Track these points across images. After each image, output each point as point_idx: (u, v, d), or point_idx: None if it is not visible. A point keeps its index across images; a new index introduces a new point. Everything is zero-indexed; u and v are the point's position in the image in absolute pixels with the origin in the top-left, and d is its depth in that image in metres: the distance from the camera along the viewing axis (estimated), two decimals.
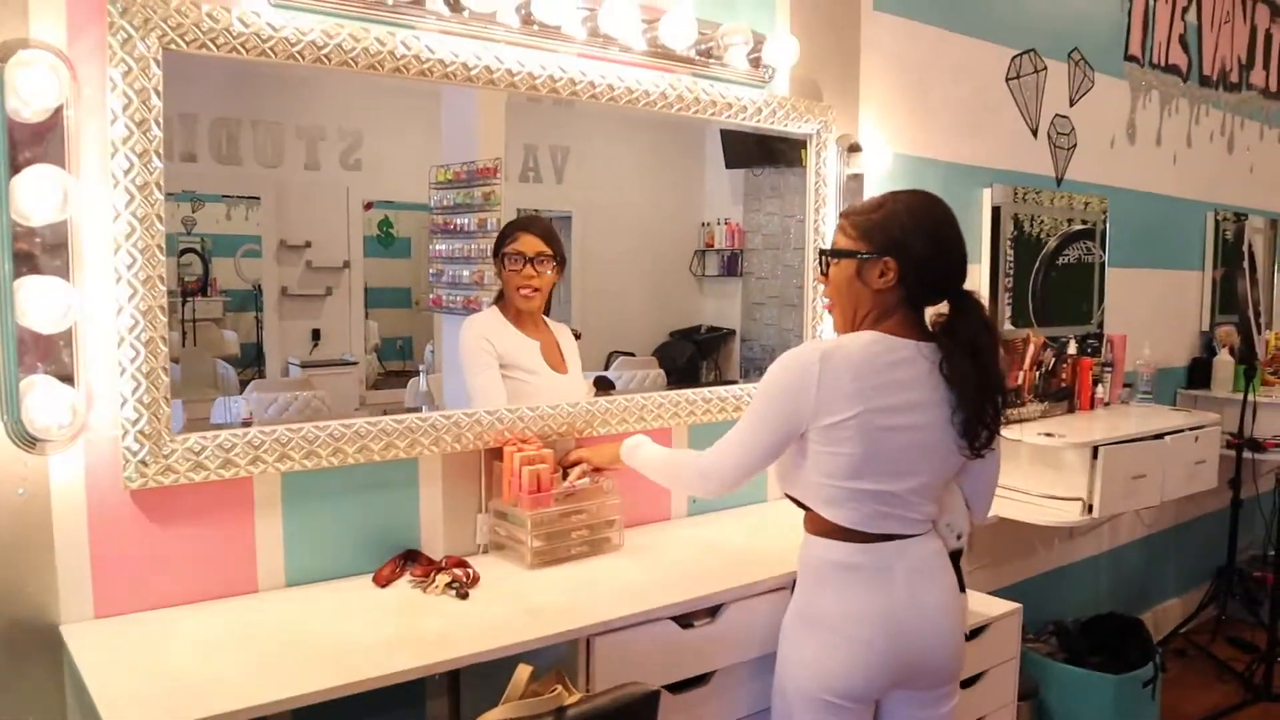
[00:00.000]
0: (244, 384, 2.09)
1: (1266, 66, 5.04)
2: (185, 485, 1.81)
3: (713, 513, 2.62)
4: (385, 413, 2.11)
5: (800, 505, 1.86)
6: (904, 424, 1.74)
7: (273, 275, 2.15)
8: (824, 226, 2.78)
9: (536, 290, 2.29)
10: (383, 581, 1.99)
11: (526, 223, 2.32)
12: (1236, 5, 4.76)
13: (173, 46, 1.73)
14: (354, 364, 2.26)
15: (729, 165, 2.79)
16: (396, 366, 2.33)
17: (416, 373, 2.30)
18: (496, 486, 2.20)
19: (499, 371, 2.27)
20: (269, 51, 1.83)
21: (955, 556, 1.92)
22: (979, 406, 1.76)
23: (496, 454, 2.20)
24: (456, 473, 2.19)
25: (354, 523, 2.06)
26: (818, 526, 1.83)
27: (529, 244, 2.28)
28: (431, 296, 2.38)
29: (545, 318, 2.41)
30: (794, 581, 1.97)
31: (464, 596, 1.91)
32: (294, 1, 1.89)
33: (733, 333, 2.89)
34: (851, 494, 1.76)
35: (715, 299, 2.87)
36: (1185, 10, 4.40)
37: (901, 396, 1.74)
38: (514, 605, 1.87)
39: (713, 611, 2.00)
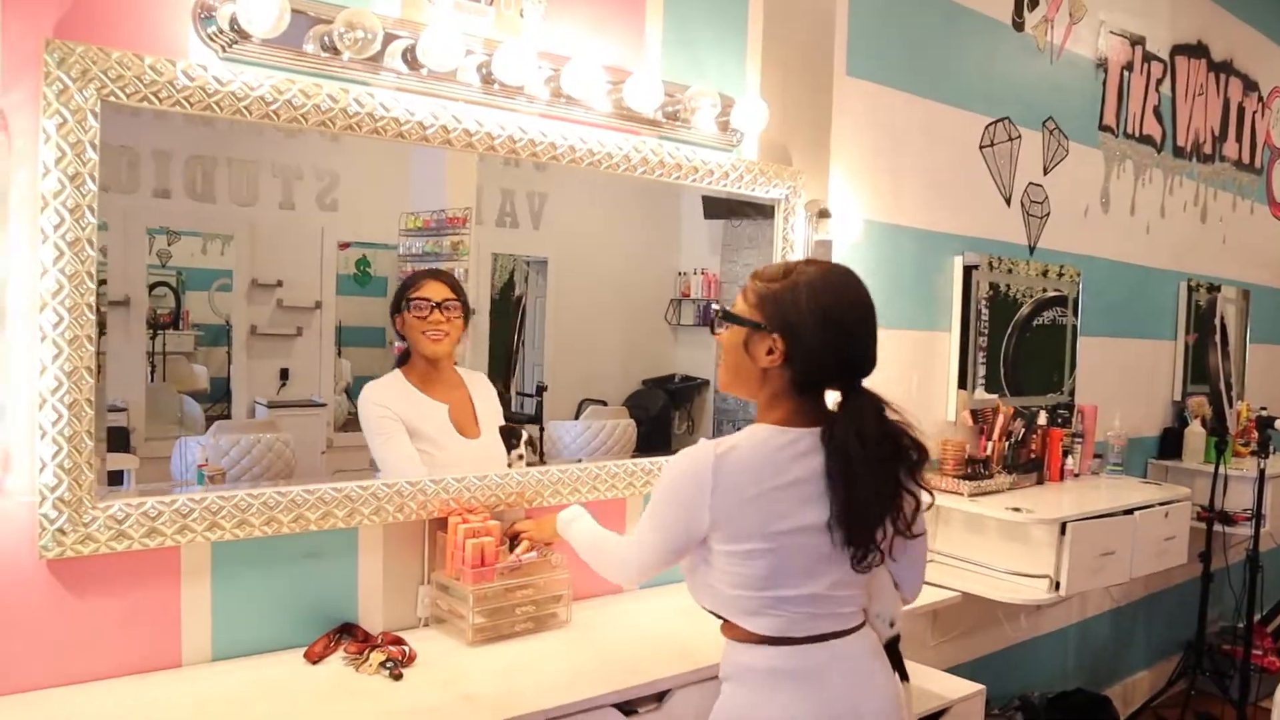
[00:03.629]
0: (211, 421, 2.03)
1: (1239, 139, 5.08)
2: (106, 555, 1.72)
3: (666, 585, 2.52)
4: (340, 473, 2.03)
5: (716, 615, 1.71)
6: (813, 522, 1.58)
7: (242, 314, 2.10)
8: None
9: (445, 334, 2.21)
10: (314, 658, 1.90)
11: (432, 272, 2.25)
12: (1210, 78, 4.79)
13: (113, 99, 1.67)
14: (322, 405, 2.20)
15: (708, 216, 2.76)
16: None
17: None
18: (440, 558, 2.12)
19: (408, 439, 2.17)
20: (214, 106, 1.78)
21: (893, 643, 1.81)
22: (850, 521, 1.57)
23: (441, 524, 2.12)
24: (398, 543, 2.11)
25: (288, 594, 1.97)
26: (739, 634, 1.67)
27: (435, 290, 2.20)
28: (397, 345, 2.31)
29: (459, 370, 2.32)
30: None
31: (398, 677, 1.82)
32: (244, 55, 1.83)
33: (706, 383, 2.84)
34: (773, 602, 1.61)
35: (690, 348, 2.82)
36: (1160, 82, 4.42)
37: (806, 490, 1.58)
38: (449, 689, 1.78)
39: (659, 697, 1.92)
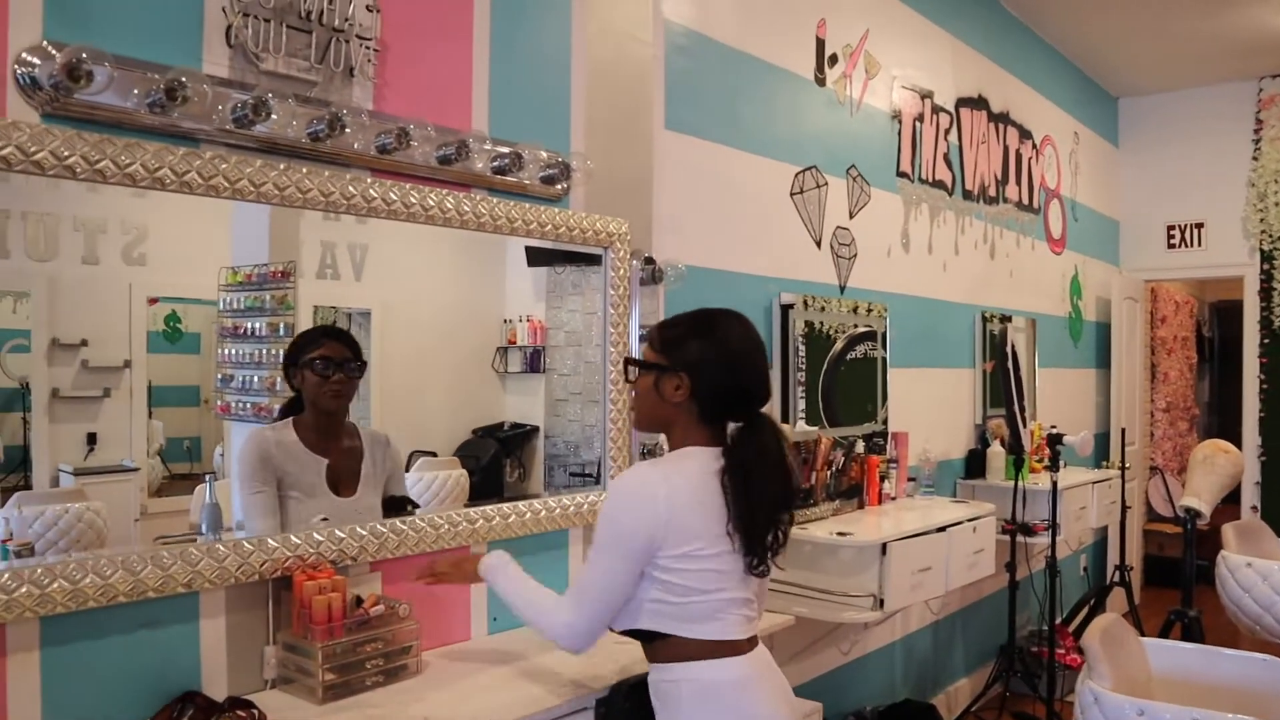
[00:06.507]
0: (7, 493, 1.89)
1: (1019, 182, 5.56)
2: None
3: (513, 630, 2.57)
4: (162, 540, 1.97)
5: (646, 636, 1.86)
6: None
7: (43, 376, 1.98)
8: (620, 342, 2.84)
9: (343, 393, 2.31)
10: None
11: (328, 330, 2.33)
12: (990, 127, 5.24)
13: None
14: (134, 470, 2.11)
15: (531, 263, 2.81)
16: (183, 469, 2.20)
17: (204, 478, 2.16)
18: (286, 617, 2.09)
19: (273, 492, 2.20)
20: (34, 166, 1.73)
21: None
22: (752, 524, 1.81)
23: (285, 583, 2.10)
24: (242, 604, 2.07)
25: (126, 666, 1.90)
26: (684, 650, 1.82)
27: (337, 350, 2.29)
28: (219, 403, 2.27)
29: (360, 427, 2.38)
30: (597, 702, 1.95)
31: None
32: (68, 113, 1.80)
33: (536, 429, 2.88)
34: (721, 604, 1.81)
35: (518, 396, 2.85)
36: (948, 131, 4.81)
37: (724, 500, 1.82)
38: None
39: None
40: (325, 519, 2.21)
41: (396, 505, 2.40)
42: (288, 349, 2.26)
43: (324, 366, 2.27)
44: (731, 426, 1.90)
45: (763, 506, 1.80)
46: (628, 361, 1.98)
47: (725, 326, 1.91)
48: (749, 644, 1.87)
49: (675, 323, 1.95)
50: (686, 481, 1.80)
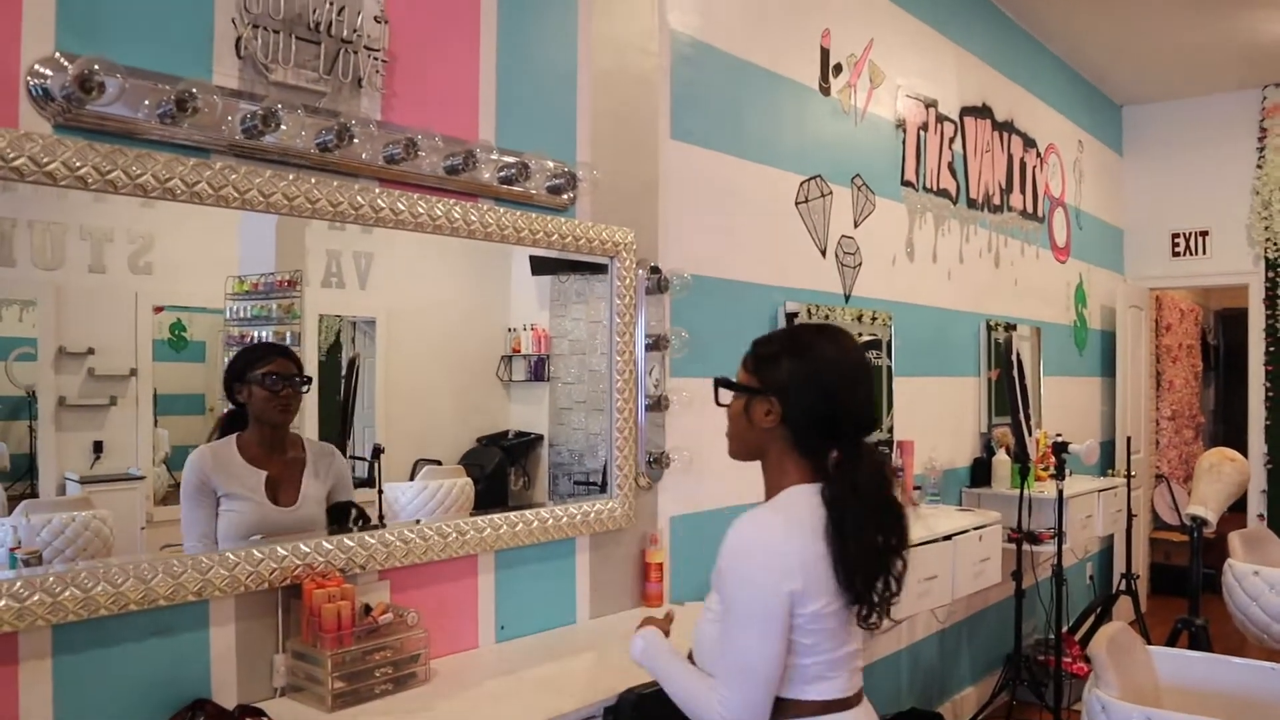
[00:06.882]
0: (13, 501, 1.90)
1: (1023, 190, 5.57)
2: None
3: (520, 639, 2.58)
4: (169, 548, 1.98)
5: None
6: None
7: (49, 384, 1.99)
8: (626, 351, 2.85)
9: (291, 406, 2.29)
10: None
11: (275, 346, 2.30)
12: (995, 136, 5.26)
13: None
14: (140, 478, 2.12)
15: (535, 272, 2.82)
16: None
17: None
18: (295, 625, 2.10)
19: (209, 512, 2.17)
20: (47, 176, 1.75)
21: None
22: (856, 572, 1.64)
23: (295, 591, 2.10)
24: (252, 611, 2.08)
25: (137, 673, 1.91)
26: (792, 710, 1.67)
27: (285, 366, 2.27)
28: (225, 411, 2.28)
29: (307, 440, 2.36)
30: (606, 710, 1.96)
31: None
32: (79, 124, 1.81)
33: (541, 438, 2.88)
34: (837, 661, 1.67)
35: (522, 404, 2.85)
36: (952, 140, 4.82)
37: None
38: None
39: None
40: (261, 537, 2.16)
41: (341, 512, 2.35)
42: (230, 365, 2.24)
43: (274, 382, 2.25)
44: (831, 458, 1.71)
45: (865, 551, 1.63)
46: (717, 382, 1.80)
47: (821, 345, 1.74)
48: (857, 698, 1.74)
49: (769, 340, 1.79)
50: (807, 529, 1.63)
